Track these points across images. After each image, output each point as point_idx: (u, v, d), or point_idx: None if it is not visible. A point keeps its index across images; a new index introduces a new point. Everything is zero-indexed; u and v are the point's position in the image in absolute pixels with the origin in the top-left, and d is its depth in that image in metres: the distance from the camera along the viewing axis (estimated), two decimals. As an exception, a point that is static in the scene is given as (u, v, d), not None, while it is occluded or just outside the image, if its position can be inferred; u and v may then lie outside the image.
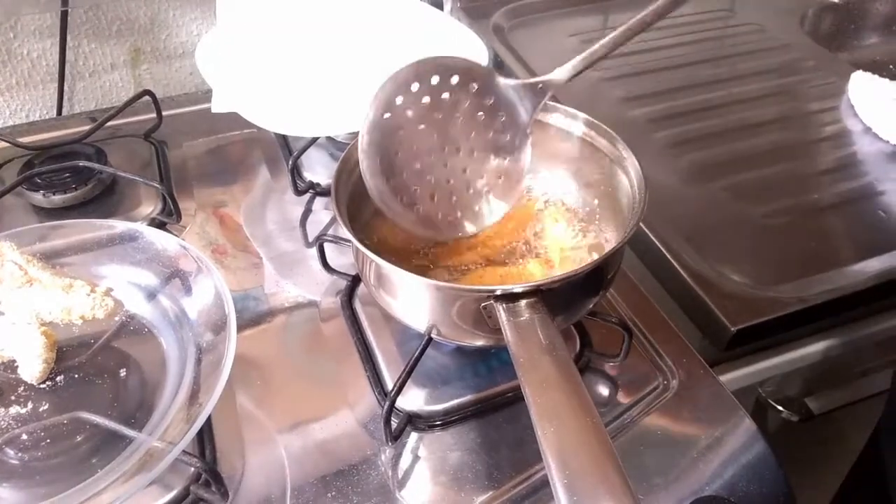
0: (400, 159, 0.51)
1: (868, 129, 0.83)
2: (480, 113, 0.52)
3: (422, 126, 0.51)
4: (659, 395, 0.54)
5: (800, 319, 0.61)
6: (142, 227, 0.59)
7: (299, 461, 0.50)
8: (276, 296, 0.62)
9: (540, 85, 0.52)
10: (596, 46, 0.50)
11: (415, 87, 0.50)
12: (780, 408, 0.68)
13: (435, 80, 0.50)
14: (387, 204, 0.51)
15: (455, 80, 0.51)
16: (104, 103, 0.92)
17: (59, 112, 0.89)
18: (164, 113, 0.80)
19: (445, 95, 0.51)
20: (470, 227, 0.54)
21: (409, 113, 0.50)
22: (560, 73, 0.51)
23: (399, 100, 0.50)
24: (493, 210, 0.55)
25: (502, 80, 0.52)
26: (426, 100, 0.51)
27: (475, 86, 0.51)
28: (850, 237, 0.68)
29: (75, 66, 0.88)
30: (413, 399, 0.53)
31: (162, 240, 0.58)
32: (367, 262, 0.50)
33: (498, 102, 0.52)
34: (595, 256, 0.56)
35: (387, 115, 0.50)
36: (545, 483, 0.40)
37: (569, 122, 0.57)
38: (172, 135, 0.80)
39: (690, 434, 0.52)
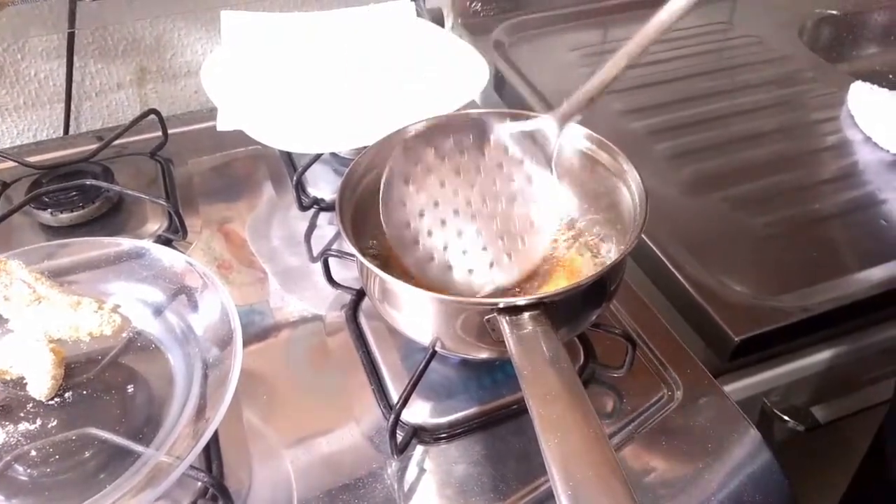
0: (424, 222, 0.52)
1: (868, 139, 0.83)
2: (501, 164, 0.53)
3: (442, 185, 0.53)
4: (663, 407, 0.54)
5: (803, 329, 0.61)
6: (148, 245, 0.60)
7: (305, 475, 0.50)
8: (282, 310, 0.62)
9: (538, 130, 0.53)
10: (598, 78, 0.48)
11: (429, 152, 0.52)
12: (785, 417, 0.68)
13: (448, 142, 0.52)
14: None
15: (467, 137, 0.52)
16: (110, 122, 0.93)
17: (66, 131, 0.90)
18: (169, 131, 0.81)
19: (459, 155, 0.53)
20: (500, 278, 0.52)
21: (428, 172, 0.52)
22: (563, 109, 0.52)
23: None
24: (521, 260, 0.53)
25: (508, 130, 0.53)
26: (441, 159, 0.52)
27: (489, 137, 0.53)
28: (851, 246, 0.69)
29: (82, 85, 0.89)
30: (418, 412, 0.53)
31: (168, 256, 0.58)
32: (371, 276, 0.50)
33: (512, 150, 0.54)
34: (597, 268, 0.56)
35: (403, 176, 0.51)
36: (550, 495, 0.40)
37: (569, 135, 0.57)
38: (178, 153, 0.81)
39: (695, 445, 0.52)
